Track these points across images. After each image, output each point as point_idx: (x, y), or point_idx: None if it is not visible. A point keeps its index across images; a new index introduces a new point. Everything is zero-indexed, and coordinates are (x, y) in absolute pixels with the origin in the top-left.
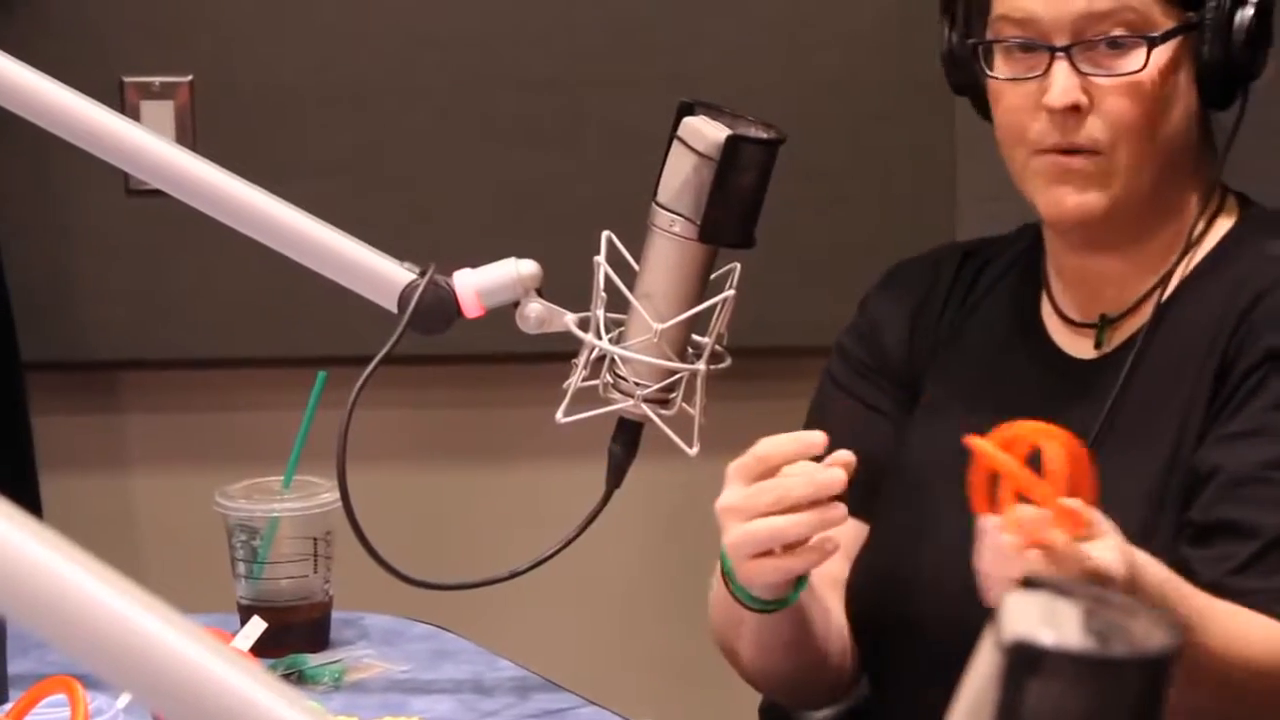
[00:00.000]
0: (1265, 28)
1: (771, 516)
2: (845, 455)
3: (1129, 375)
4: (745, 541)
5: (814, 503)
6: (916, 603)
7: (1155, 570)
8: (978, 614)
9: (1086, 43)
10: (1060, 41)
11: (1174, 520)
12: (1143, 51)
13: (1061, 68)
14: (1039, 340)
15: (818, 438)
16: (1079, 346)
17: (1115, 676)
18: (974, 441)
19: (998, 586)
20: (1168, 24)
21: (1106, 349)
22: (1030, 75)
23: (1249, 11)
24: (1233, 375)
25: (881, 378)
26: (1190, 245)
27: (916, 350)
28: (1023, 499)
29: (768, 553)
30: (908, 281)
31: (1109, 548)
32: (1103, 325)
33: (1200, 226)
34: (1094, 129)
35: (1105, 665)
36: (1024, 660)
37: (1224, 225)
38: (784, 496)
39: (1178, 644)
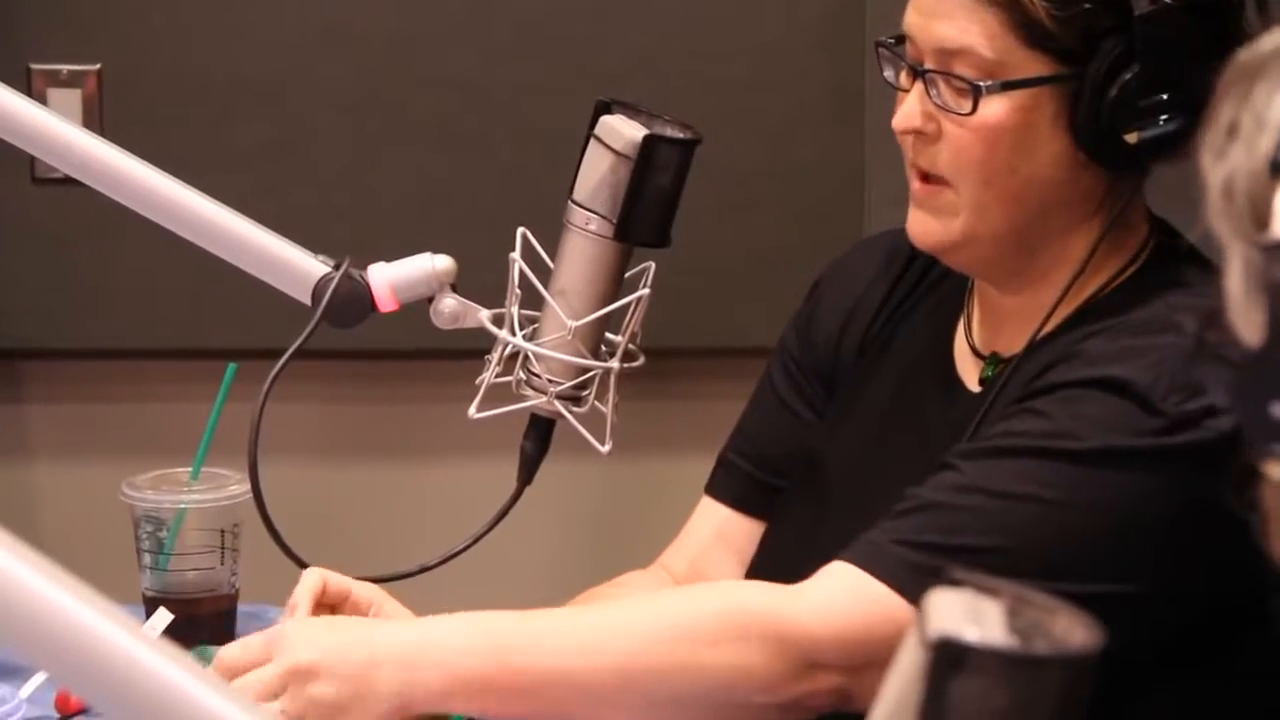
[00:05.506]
0: (1162, 90)
1: None
2: None
3: (986, 416)
4: None
5: None
6: None
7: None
8: None
9: (944, 74)
10: (925, 65)
11: None
12: (980, 95)
13: (916, 91)
14: (946, 364)
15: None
16: (972, 378)
17: (1038, 673)
18: None
19: None
20: (1031, 72)
21: (986, 386)
22: (903, 88)
23: (1132, 74)
24: None
25: (804, 374)
26: (1066, 293)
27: (844, 350)
28: None
29: None
30: (856, 269)
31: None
32: (991, 361)
33: (1103, 275)
34: (939, 159)
35: (1028, 662)
36: (948, 657)
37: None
38: None
39: (1099, 642)
